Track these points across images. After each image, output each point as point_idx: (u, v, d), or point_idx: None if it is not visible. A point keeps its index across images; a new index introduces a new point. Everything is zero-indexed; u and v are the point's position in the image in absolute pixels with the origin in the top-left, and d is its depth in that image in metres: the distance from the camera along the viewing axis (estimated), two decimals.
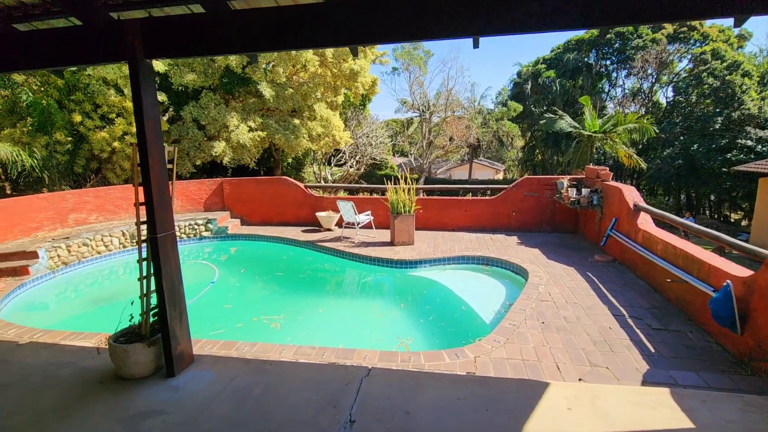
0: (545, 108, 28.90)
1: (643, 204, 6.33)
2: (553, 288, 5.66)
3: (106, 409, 2.78)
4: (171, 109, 14.43)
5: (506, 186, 9.60)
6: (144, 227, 3.11)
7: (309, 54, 12.25)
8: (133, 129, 12.23)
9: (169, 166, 3.18)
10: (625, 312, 4.80)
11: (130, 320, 3.24)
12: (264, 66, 12.71)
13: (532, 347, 4.01)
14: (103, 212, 9.92)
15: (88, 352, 3.68)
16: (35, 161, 10.22)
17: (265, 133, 13.82)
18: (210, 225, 10.00)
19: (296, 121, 14.80)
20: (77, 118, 11.63)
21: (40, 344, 3.92)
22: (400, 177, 8.51)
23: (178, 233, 9.78)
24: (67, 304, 7.09)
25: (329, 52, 13.14)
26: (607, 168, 8.11)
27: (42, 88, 11.79)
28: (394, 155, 42.70)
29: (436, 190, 12.86)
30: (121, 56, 2.77)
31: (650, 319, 4.57)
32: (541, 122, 20.99)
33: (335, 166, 28.20)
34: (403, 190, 8.26)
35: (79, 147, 12.02)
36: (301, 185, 10.72)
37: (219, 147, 12.97)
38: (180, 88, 13.10)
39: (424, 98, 27.59)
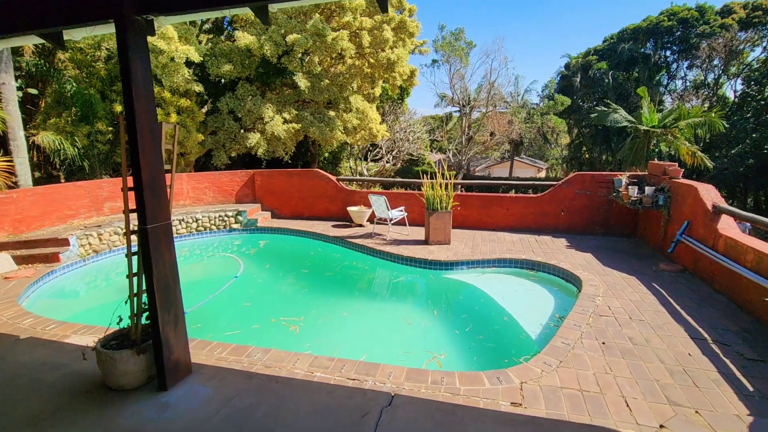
0: (594, 102, 27.10)
1: (724, 205, 5.36)
2: (613, 300, 4.86)
3: (83, 427, 2.38)
4: (209, 102, 14.46)
5: (553, 183, 8.71)
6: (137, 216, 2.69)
7: (345, 42, 11.78)
8: (171, 119, 12.26)
9: (168, 146, 2.73)
10: (706, 335, 3.96)
11: (118, 323, 2.84)
12: (299, 56, 12.37)
13: (591, 374, 3.31)
14: None
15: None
16: (76, 150, 10.39)
17: (300, 125, 13.53)
18: (240, 217, 9.78)
19: (331, 113, 14.43)
20: (118, 108, 11.77)
21: (40, 340, 3.65)
22: (437, 171, 7.87)
23: (208, 224, 9.61)
24: (95, 292, 6.99)
25: (366, 40, 12.61)
26: (676, 164, 7.09)
27: (87, 79, 12.03)
28: (431, 151, 41.85)
29: (476, 186, 12.07)
30: (106, 12, 2.34)
31: (741, 346, 3.72)
32: (592, 116, 19.51)
33: (371, 161, 27.83)
34: (440, 185, 7.62)
35: (119, 137, 12.17)
36: (333, 178, 10.30)
37: (253, 139, 12.81)
38: (217, 79, 13.04)
39: (465, 92, 26.57)
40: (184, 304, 5.83)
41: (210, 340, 4.08)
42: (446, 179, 7.68)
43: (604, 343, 3.84)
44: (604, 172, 8.35)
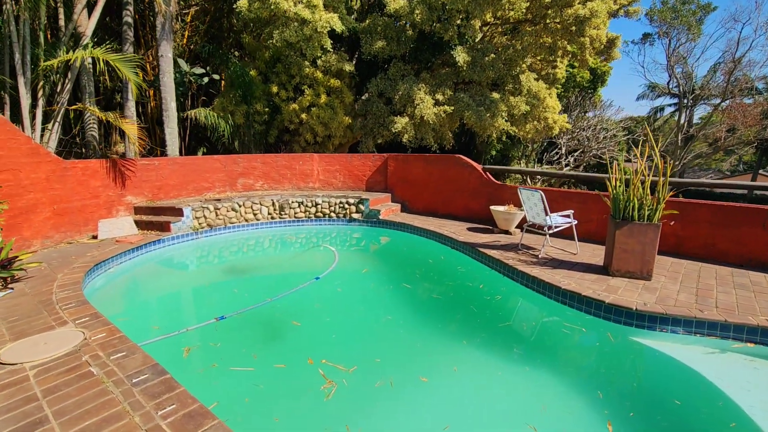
0: None
1: None
2: None
3: None
4: (366, 90, 13.65)
5: None
6: None
7: None
8: (321, 100, 11.79)
9: None
10: None
11: None
12: (458, 21, 10.24)
13: None
14: (268, 180, 9.51)
15: None
16: (228, 127, 10.64)
17: (453, 108, 11.43)
18: (361, 206, 8.32)
19: (495, 95, 11.87)
20: (274, 89, 11.83)
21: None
22: (637, 157, 4.74)
23: (327, 211, 8.44)
24: (198, 268, 6.42)
25: None
26: None
27: (253, 63, 12.49)
28: (629, 156, 34.09)
29: (709, 189, 7.89)
30: None
31: None
32: None
33: (547, 163, 23.72)
34: (640, 181, 4.51)
35: (273, 118, 12.31)
36: (478, 167, 7.92)
37: (400, 123, 11.31)
38: (369, 57, 12.03)
39: (688, 76, 19.95)
40: (245, 301, 4.52)
41: (179, 384, 2.47)
42: (650, 174, 4.52)
43: None
44: None
